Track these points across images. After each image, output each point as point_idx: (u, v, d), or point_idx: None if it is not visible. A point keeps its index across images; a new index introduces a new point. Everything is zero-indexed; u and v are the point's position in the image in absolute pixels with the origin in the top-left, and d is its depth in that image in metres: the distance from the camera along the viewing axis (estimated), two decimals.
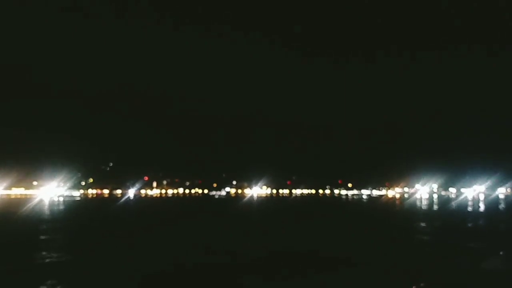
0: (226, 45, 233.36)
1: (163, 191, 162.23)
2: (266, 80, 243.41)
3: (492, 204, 63.74)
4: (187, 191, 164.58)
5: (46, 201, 74.40)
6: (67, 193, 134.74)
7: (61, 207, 55.65)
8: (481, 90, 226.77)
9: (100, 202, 75.99)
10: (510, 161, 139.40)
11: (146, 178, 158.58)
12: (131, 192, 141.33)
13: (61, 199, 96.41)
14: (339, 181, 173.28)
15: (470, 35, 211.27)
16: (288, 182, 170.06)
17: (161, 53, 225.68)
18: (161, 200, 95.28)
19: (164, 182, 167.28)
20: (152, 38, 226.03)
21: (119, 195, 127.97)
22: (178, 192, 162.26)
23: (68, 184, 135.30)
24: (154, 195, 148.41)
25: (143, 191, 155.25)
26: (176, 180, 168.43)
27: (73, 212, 46.42)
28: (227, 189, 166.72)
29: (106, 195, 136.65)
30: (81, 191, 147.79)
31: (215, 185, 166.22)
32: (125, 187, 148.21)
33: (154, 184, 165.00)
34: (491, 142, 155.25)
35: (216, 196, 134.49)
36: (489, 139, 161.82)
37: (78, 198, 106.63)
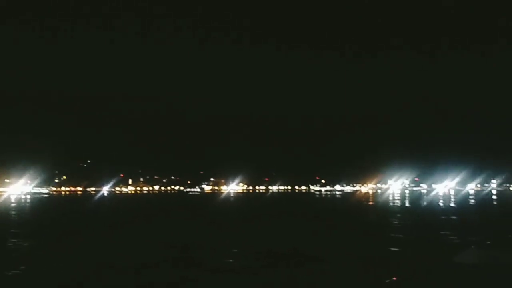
0: (203, 44, 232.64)
1: (139, 188, 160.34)
2: (242, 77, 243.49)
3: (462, 200, 65.54)
4: (162, 188, 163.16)
5: (12, 199, 72.82)
6: (36, 190, 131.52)
7: (19, 204, 54.79)
8: (451, 86, 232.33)
9: (68, 200, 74.84)
10: (479, 157, 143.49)
11: (121, 175, 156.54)
12: (105, 189, 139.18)
13: (28, 196, 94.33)
14: (317, 178, 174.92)
15: (443, 31, 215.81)
16: (266, 179, 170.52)
17: (132, 52, 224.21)
18: (133, 197, 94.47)
19: (141, 179, 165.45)
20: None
21: (92, 192, 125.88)
22: (153, 189, 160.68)
23: (37, 181, 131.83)
24: (129, 192, 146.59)
25: (118, 188, 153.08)
26: (155, 177, 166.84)
27: (25, 210, 45.76)
28: (203, 186, 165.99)
29: (80, 193, 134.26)
30: (53, 188, 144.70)
31: (189, 182, 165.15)
32: (99, 184, 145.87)
33: (130, 181, 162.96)
34: (461, 139, 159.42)
35: (190, 193, 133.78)
36: (460, 136, 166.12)
37: (46, 195, 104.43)
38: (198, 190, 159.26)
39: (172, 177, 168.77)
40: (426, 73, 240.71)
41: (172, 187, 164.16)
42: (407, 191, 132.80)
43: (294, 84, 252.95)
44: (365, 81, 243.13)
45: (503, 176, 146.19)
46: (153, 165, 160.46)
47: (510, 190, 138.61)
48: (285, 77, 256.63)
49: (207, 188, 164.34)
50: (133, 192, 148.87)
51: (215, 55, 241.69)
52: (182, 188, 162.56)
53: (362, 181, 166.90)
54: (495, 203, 59.12)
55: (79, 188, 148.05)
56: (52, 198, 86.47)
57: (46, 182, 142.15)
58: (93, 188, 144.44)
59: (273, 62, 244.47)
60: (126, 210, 46.10)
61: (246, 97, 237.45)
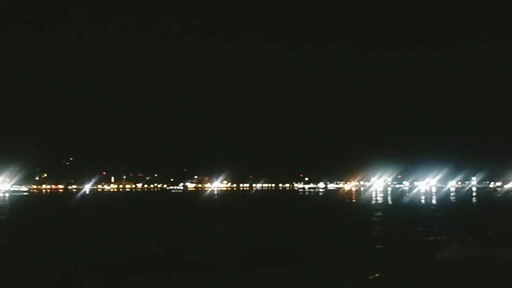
0: (187, 46, 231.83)
1: (121, 186, 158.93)
2: (227, 76, 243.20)
3: (443, 197, 66.44)
4: (146, 186, 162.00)
5: None
6: (15, 188, 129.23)
7: None
8: (433, 84, 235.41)
9: (46, 198, 73.83)
10: (459, 155, 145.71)
11: (104, 173, 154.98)
12: (87, 187, 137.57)
13: (6, 194, 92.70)
14: (301, 175, 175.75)
15: (417, 32, 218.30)
16: (250, 176, 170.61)
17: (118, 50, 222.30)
18: (115, 195, 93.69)
19: (124, 177, 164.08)
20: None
21: (74, 191, 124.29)
22: (136, 187, 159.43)
23: (17, 179, 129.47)
24: (111, 190, 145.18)
25: (100, 187, 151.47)
26: (139, 175, 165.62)
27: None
28: (187, 183, 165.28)
29: (61, 191, 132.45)
30: (33, 186, 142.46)
31: (172, 180, 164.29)
32: (81, 182, 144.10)
33: (112, 179, 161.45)
34: (443, 136, 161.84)
35: (173, 191, 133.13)
36: (441, 133, 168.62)
37: (26, 194, 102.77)
38: (181, 188, 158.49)
39: (156, 175, 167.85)
40: (411, 71, 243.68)
41: (155, 185, 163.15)
42: (389, 189, 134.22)
43: (280, 82, 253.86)
44: (348, 80, 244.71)
45: (483, 174, 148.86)
46: (136, 163, 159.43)
47: (490, 187, 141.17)
48: (275, 76, 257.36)
49: (190, 186, 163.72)
50: (115, 190, 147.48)
51: (199, 55, 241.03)
52: (165, 186, 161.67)
53: (346, 178, 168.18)
54: (475, 200, 60.08)
55: (60, 186, 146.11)
56: (31, 196, 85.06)
57: (26, 180, 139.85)
58: (74, 186, 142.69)
59: (258, 62, 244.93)
60: (105, 208, 45.51)
61: (230, 95, 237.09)
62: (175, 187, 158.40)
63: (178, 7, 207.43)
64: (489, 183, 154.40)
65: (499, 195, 77.83)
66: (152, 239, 18.58)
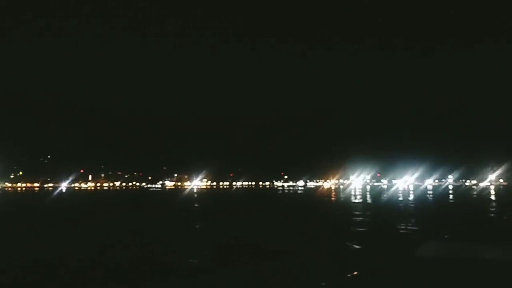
0: (175, 46, 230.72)
1: (99, 184, 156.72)
2: (209, 75, 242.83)
3: (421, 195, 67.34)
4: (124, 184, 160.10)
5: None
6: None
7: None
8: (411, 83, 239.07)
9: (20, 196, 72.21)
10: (436, 154, 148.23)
11: (81, 170, 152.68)
12: (63, 186, 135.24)
13: None
14: (282, 173, 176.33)
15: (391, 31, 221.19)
16: (231, 174, 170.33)
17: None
18: (91, 193, 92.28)
19: (102, 175, 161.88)
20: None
21: (50, 189, 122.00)
22: (114, 185, 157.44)
23: None
24: (89, 189, 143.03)
25: (77, 185, 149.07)
26: (118, 173, 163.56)
27: None
28: (166, 181, 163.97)
29: (36, 189, 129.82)
30: (8, 184, 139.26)
31: (150, 177, 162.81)
32: (58, 180, 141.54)
33: (90, 177, 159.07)
34: (420, 135, 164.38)
35: (151, 189, 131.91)
36: (418, 132, 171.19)
37: None
38: (159, 186, 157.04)
39: (135, 173, 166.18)
40: (391, 71, 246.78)
41: (134, 183, 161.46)
42: (368, 187, 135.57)
43: (262, 82, 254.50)
44: (330, 80, 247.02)
45: (459, 172, 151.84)
46: (116, 161, 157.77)
47: (466, 185, 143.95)
48: (257, 76, 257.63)
49: (169, 184, 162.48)
50: (92, 188, 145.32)
51: (182, 56, 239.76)
52: (144, 184, 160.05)
53: (325, 176, 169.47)
54: (451, 198, 61.05)
55: (36, 184, 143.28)
56: (4, 195, 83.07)
57: (1, 178, 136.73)
58: (51, 184, 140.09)
59: (234, 61, 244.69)
60: (77, 206, 44.65)
61: (212, 95, 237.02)
62: (153, 186, 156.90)
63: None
64: (465, 181, 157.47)
65: (474, 193, 79.30)
66: (115, 236, 18.18)
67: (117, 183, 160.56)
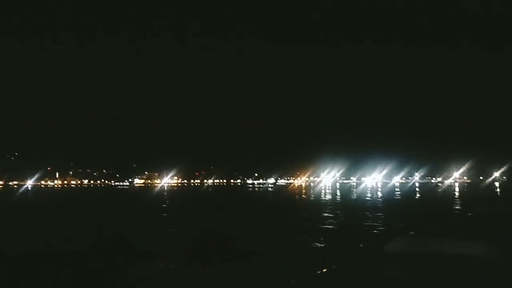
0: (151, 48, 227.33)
1: (66, 182, 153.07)
2: (178, 73, 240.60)
3: (389, 192, 68.62)
4: (92, 181, 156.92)
5: None
6: None
7: None
8: (380, 80, 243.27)
9: None
10: (404, 151, 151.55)
11: (49, 168, 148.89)
12: (29, 183, 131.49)
13: None
14: (253, 171, 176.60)
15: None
16: (203, 172, 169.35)
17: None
18: (56, 191, 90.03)
19: (70, 173, 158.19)
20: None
21: (15, 186, 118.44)
22: (82, 183, 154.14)
23: None
24: (55, 186, 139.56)
25: (43, 182, 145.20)
26: (88, 170, 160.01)
27: None
28: (135, 179, 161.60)
29: (0, 187, 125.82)
30: None
31: (118, 175, 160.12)
32: (24, 178, 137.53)
33: (57, 174, 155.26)
34: (388, 132, 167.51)
35: (119, 187, 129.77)
36: (387, 129, 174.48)
37: None
38: (127, 184, 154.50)
39: (104, 171, 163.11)
40: (360, 68, 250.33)
41: (102, 180, 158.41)
42: (338, 184, 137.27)
43: (233, 80, 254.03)
44: (298, 78, 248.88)
45: (425, 170, 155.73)
46: (85, 158, 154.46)
47: (431, 183, 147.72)
48: (228, 73, 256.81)
49: (139, 182, 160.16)
50: (59, 186, 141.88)
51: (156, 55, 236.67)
52: (113, 182, 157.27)
53: (296, 174, 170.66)
54: (418, 195, 62.47)
55: (0, 182, 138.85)
56: None
57: None
58: (15, 182, 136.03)
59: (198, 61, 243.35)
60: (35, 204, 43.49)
61: (184, 93, 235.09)
62: (121, 183, 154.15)
63: None
64: (431, 179, 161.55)
65: (440, 190, 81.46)
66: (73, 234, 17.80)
67: (85, 181, 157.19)
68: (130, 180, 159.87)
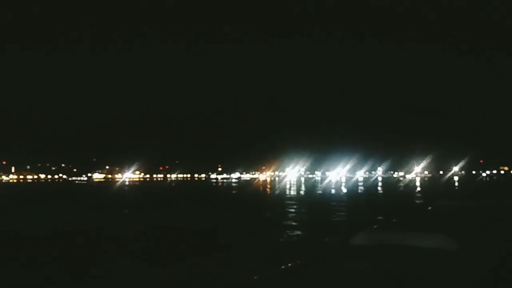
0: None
1: (22, 176, 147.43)
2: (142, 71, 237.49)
3: (352, 186, 69.22)
4: (49, 176, 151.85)
5: None
6: None
7: None
8: (343, 75, 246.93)
9: None
10: (367, 146, 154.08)
11: (4, 162, 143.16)
12: None
13: None
14: (218, 166, 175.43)
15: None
16: (167, 167, 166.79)
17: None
18: (10, 186, 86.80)
19: (28, 167, 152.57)
20: None
21: None
22: (39, 178, 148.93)
23: None
24: (10, 181, 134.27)
25: None
26: (47, 164, 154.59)
27: None
28: (96, 173, 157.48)
29: None
30: None
31: (75, 170, 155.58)
32: None
33: (13, 169, 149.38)
34: (352, 127, 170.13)
35: (76, 182, 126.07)
36: (351, 124, 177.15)
37: None
38: (85, 178, 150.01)
39: (63, 165, 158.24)
40: (323, 63, 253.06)
41: (60, 175, 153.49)
42: (302, 179, 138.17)
43: (196, 77, 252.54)
44: (263, 73, 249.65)
45: (387, 164, 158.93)
46: (44, 152, 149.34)
47: (393, 177, 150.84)
48: (193, 72, 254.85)
49: (99, 176, 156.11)
50: (15, 180, 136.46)
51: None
52: (71, 177, 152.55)
53: (261, 169, 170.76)
54: (380, 189, 63.23)
55: None
56: None
57: None
58: None
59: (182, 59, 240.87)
60: None
61: (150, 90, 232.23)
62: (79, 178, 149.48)
63: None
64: (393, 173, 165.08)
65: (401, 184, 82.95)
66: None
67: (43, 176, 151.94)
68: (89, 174, 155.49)
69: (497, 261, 3.46)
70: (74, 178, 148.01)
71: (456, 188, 64.61)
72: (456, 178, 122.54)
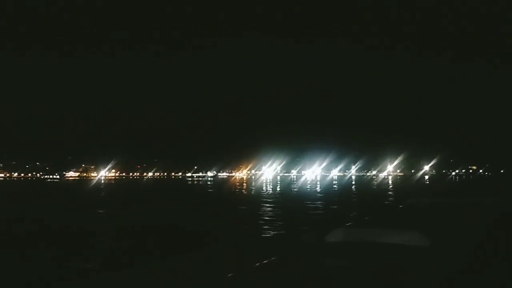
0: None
1: None
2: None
3: (327, 185, 70.27)
4: (22, 174, 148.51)
5: None
6: None
7: None
8: (319, 75, 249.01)
9: None
10: (341, 145, 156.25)
11: None
12: None
13: None
14: (194, 165, 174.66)
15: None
16: (144, 165, 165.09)
17: None
18: None
19: (1, 165, 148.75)
20: None
21: None
22: (11, 176, 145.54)
23: None
24: None
25: None
26: (22, 162, 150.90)
27: None
28: (70, 172, 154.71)
29: None
30: None
31: (48, 168, 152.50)
32: None
33: None
34: (327, 126, 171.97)
35: (48, 180, 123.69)
36: (326, 123, 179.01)
37: None
38: (58, 176, 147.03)
39: (38, 163, 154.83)
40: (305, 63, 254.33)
41: (34, 173, 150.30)
42: (279, 177, 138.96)
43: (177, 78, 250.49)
44: (241, 72, 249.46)
45: (361, 163, 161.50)
46: (19, 151, 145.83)
47: (367, 176, 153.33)
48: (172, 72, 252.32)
49: (73, 175, 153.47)
50: None
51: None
52: (45, 175, 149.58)
53: (237, 167, 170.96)
54: (354, 187, 64.37)
55: None
56: None
57: None
58: None
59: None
60: None
61: (129, 91, 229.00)
62: (51, 176, 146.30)
63: None
64: (367, 172, 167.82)
65: (375, 182, 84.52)
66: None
67: (15, 174, 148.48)
68: (62, 173, 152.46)
69: (468, 254, 3.70)
70: (46, 177, 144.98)
71: (426, 186, 66.45)
72: (426, 177, 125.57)
